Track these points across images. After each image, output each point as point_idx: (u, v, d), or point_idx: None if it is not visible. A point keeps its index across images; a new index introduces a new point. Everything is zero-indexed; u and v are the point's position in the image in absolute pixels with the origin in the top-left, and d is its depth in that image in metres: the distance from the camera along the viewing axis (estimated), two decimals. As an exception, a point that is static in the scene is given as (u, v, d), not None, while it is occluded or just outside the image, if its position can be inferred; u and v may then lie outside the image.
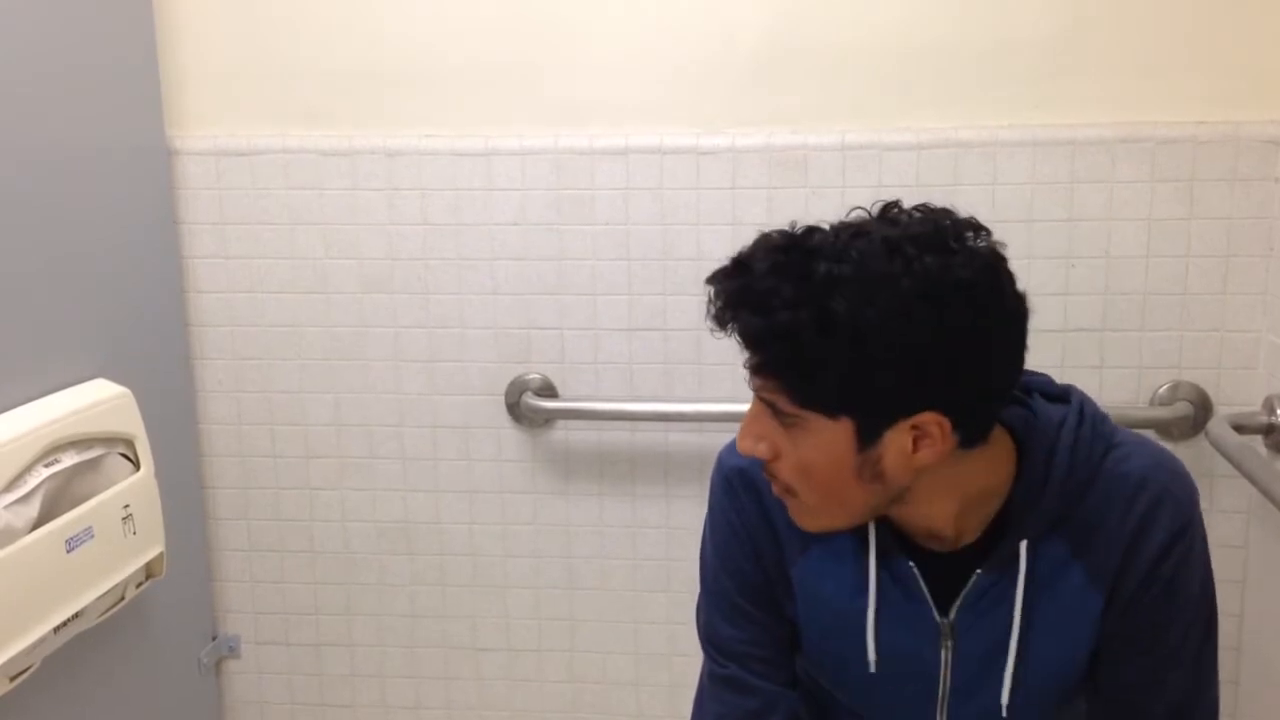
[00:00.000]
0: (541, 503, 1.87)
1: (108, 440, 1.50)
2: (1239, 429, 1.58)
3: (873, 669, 1.10)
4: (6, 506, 1.30)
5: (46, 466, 1.37)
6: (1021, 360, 0.99)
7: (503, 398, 1.83)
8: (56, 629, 1.39)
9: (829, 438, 0.96)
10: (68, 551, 1.40)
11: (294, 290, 1.84)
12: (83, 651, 1.52)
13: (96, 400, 1.49)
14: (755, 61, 1.71)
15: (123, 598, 1.55)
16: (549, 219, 1.77)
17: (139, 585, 1.58)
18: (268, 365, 1.87)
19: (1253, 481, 1.49)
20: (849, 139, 1.70)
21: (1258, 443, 1.64)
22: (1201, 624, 1.06)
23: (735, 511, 1.14)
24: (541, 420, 1.83)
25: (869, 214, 0.97)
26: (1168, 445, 1.69)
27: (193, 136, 1.81)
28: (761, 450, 1.00)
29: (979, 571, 1.05)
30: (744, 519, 1.14)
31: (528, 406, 1.81)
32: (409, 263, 1.81)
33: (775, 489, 1.04)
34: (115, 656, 1.64)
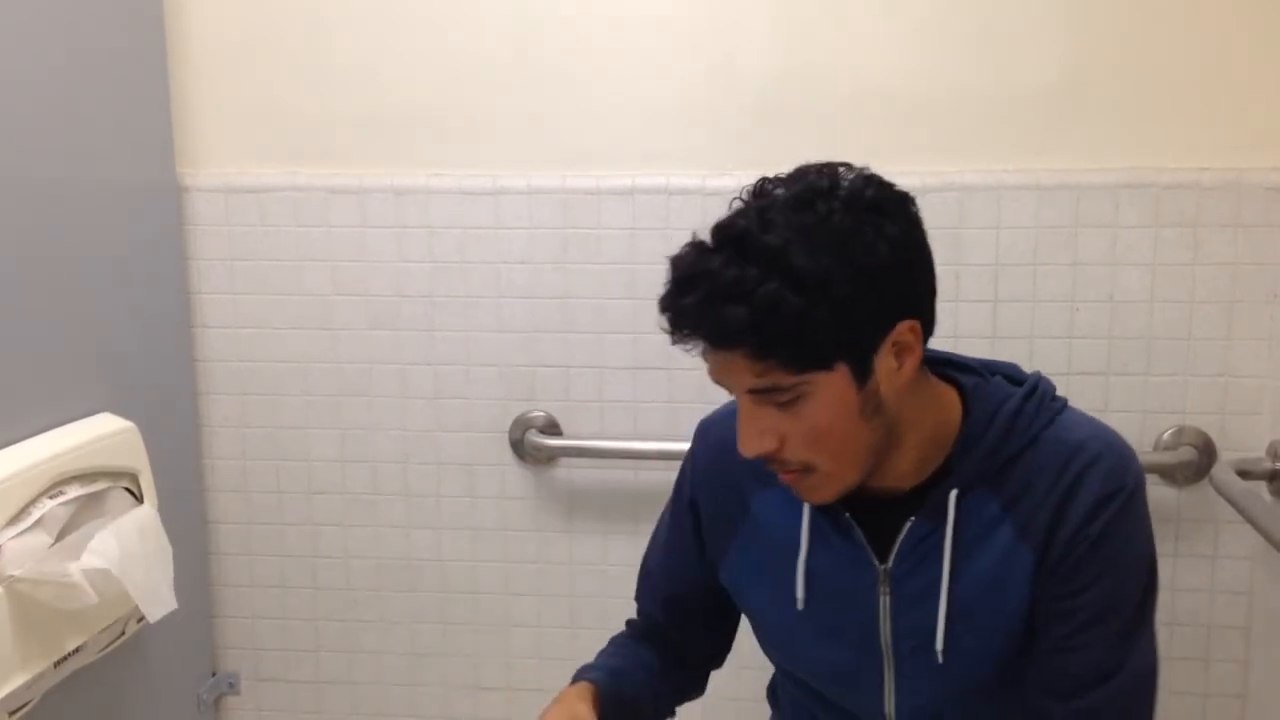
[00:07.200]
0: (545, 541, 1.86)
1: (112, 474, 1.50)
2: (1243, 474, 1.58)
3: (800, 605, 1.12)
4: (12, 539, 1.30)
5: (52, 499, 1.37)
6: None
7: (507, 435, 1.83)
8: (57, 664, 1.38)
9: (833, 390, 0.99)
10: (70, 585, 1.40)
11: (301, 326, 1.85)
12: (82, 687, 1.51)
13: (102, 434, 1.50)
14: (762, 104, 1.72)
15: (123, 633, 1.54)
16: (555, 258, 1.78)
17: (140, 620, 1.57)
18: (273, 401, 1.87)
19: (1257, 527, 1.49)
20: (854, 182, 1.70)
21: (1262, 488, 1.63)
22: (1135, 593, 1.05)
23: (689, 460, 1.26)
24: (545, 458, 1.83)
25: (743, 200, 1.01)
26: (1172, 490, 1.70)
27: (203, 173, 1.82)
28: (768, 443, 1.02)
29: (913, 519, 1.07)
30: (695, 466, 1.24)
31: (532, 444, 1.81)
32: (415, 300, 1.82)
33: (785, 478, 1.05)
34: (115, 692, 1.63)
